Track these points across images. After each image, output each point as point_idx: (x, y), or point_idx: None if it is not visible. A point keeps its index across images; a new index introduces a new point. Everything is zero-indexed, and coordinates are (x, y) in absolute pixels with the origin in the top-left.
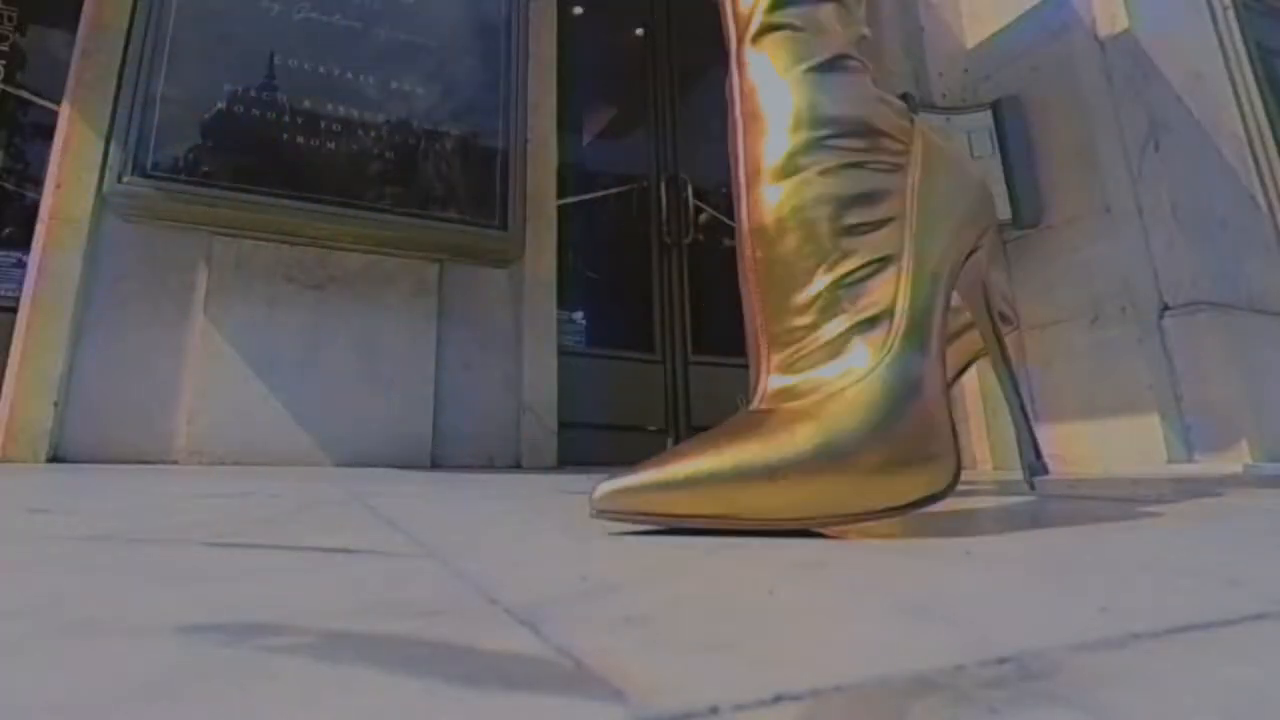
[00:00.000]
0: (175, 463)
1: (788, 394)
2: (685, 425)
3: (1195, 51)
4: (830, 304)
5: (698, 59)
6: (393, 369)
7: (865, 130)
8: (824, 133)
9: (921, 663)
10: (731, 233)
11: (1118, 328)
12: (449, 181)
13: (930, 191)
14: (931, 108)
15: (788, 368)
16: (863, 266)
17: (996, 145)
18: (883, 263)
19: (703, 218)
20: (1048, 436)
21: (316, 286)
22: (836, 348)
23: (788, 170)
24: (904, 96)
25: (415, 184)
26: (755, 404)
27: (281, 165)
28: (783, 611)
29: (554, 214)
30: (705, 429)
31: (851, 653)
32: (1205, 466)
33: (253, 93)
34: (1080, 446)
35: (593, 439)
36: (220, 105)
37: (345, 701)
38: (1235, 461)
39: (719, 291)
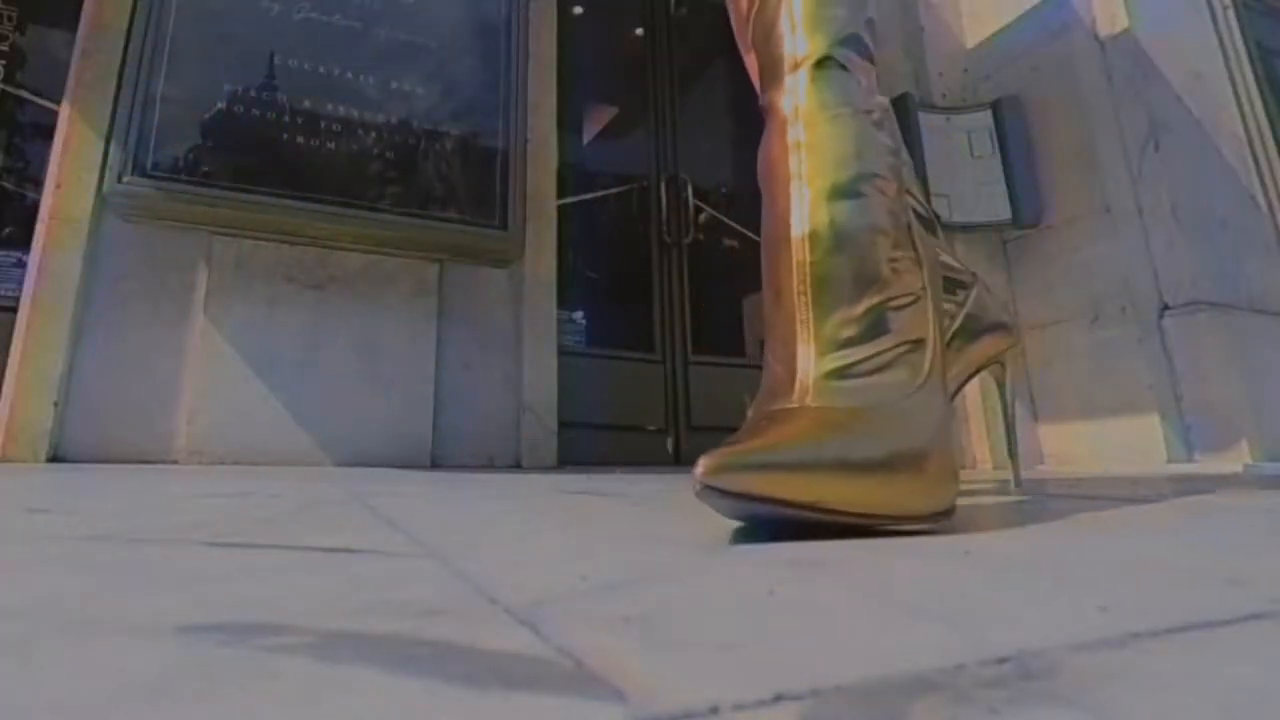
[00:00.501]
0: (175, 463)
1: (840, 394)
2: (685, 425)
3: (1195, 51)
4: (879, 322)
5: (698, 59)
6: (393, 369)
7: (896, 182)
8: (879, 170)
9: (921, 663)
10: (731, 232)
11: (1118, 328)
12: (449, 181)
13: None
14: (931, 108)
15: (840, 372)
16: (903, 295)
17: (996, 145)
18: (915, 297)
19: (703, 217)
20: (1048, 436)
21: (316, 286)
22: (885, 362)
23: (851, 192)
24: (903, 96)
25: (415, 184)
26: (798, 396)
27: (281, 165)
28: (783, 611)
29: (554, 214)
30: (705, 429)
31: (851, 653)
32: (1205, 466)
33: (253, 93)
34: (1080, 446)
35: (593, 439)
36: (220, 105)
37: (345, 701)
38: (1235, 461)
39: (719, 291)
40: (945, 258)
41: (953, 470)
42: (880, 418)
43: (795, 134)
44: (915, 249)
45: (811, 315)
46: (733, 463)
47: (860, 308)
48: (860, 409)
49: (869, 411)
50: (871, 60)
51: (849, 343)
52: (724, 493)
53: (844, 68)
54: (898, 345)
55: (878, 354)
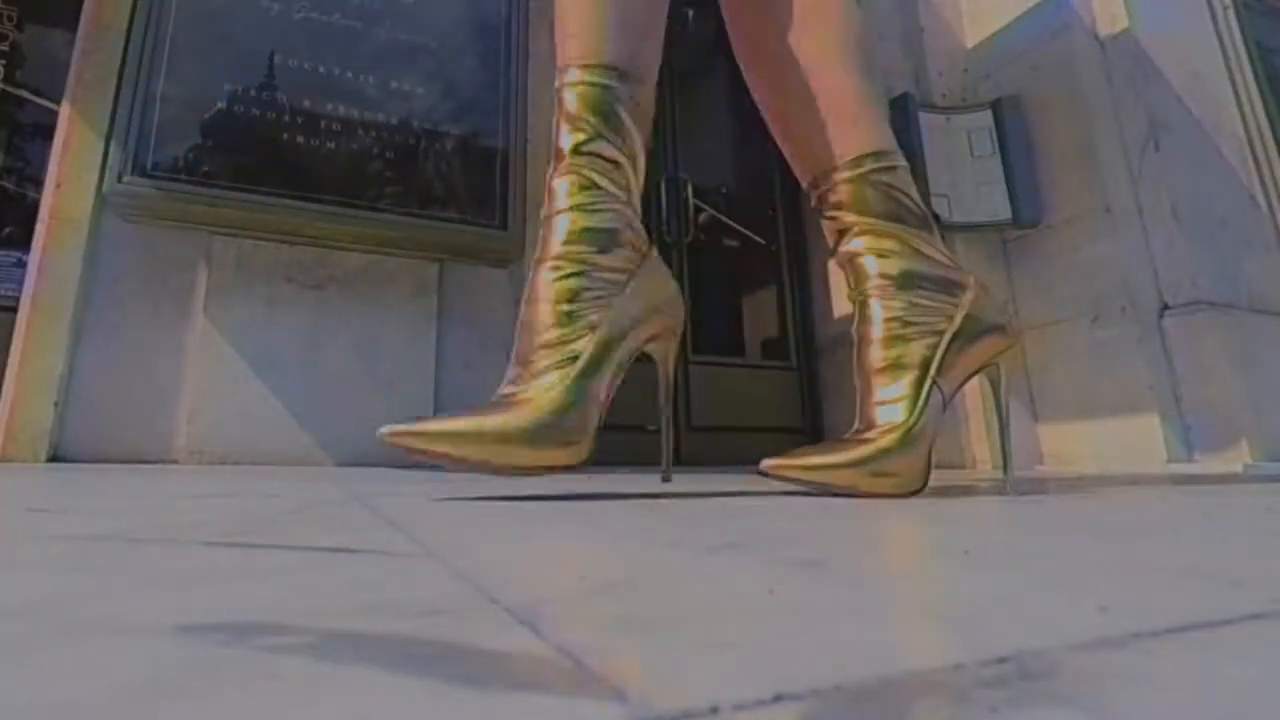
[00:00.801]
0: (175, 462)
1: (510, 392)
2: (685, 425)
3: (1195, 51)
4: (550, 349)
5: (698, 59)
6: (393, 369)
7: (612, 249)
8: (576, 252)
9: (921, 663)
10: (731, 232)
11: (1118, 327)
12: (449, 181)
13: (636, 293)
14: (931, 108)
15: (513, 381)
16: (578, 330)
17: (997, 145)
18: (588, 328)
19: (702, 218)
20: (1048, 436)
21: (316, 286)
22: (540, 373)
23: (550, 269)
24: (904, 96)
25: (415, 184)
26: (497, 398)
27: (281, 165)
28: (783, 611)
29: None
30: (705, 429)
31: (851, 653)
32: (1205, 466)
33: (253, 92)
34: (1080, 446)
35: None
36: (220, 105)
37: (346, 701)
38: (1235, 461)
39: (719, 291)
40: (942, 258)
41: (570, 439)
42: (522, 405)
43: (543, 223)
44: (598, 300)
45: (517, 346)
46: (412, 430)
47: (544, 341)
48: (515, 400)
49: (520, 401)
50: (623, 136)
51: (529, 363)
52: (396, 445)
53: (578, 172)
54: (553, 363)
55: (540, 370)
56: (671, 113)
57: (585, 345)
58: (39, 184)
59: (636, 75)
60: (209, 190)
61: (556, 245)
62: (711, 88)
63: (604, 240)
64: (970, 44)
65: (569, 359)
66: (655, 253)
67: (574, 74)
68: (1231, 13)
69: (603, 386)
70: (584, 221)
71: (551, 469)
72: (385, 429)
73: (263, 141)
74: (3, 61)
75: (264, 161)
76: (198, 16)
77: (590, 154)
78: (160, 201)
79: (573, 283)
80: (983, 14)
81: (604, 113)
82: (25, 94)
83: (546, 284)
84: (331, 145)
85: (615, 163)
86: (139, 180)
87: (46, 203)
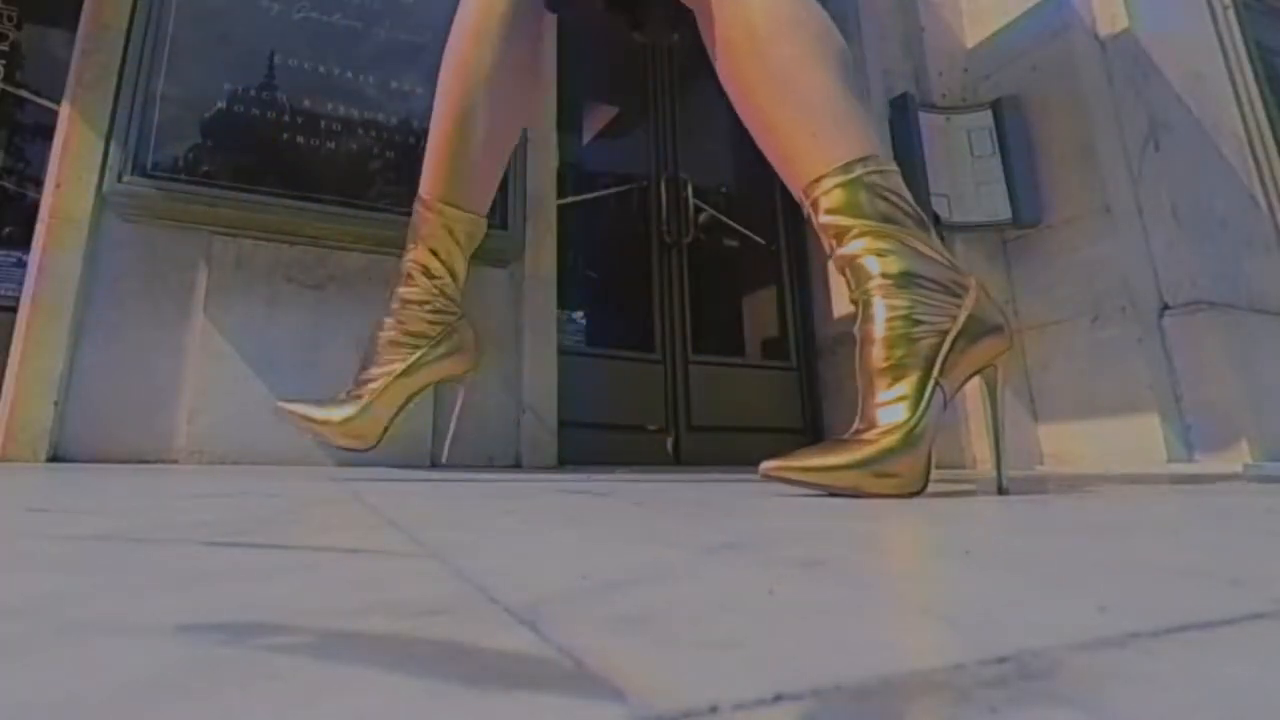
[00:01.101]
0: (175, 462)
1: (344, 399)
2: (685, 425)
3: (1195, 51)
4: (369, 382)
5: (698, 59)
6: None
7: (423, 317)
8: (401, 317)
9: (921, 663)
10: (731, 232)
11: (1118, 327)
12: None
13: (435, 350)
14: (932, 107)
15: (348, 392)
16: (385, 371)
17: (996, 145)
18: (391, 372)
19: (702, 217)
20: (1047, 436)
21: (316, 286)
22: (360, 394)
23: (384, 327)
24: (904, 96)
25: (415, 184)
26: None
27: (281, 165)
28: (783, 611)
29: (554, 214)
30: (705, 429)
31: (851, 653)
32: (1205, 466)
33: (252, 92)
34: (1080, 446)
35: (593, 438)
36: (220, 105)
37: (345, 701)
38: (1235, 461)
39: (719, 291)
40: (941, 259)
41: (361, 434)
42: (343, 407)
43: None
44: (401, 351)
45: (357, 366)
46: (288, 408)
47: (364, 374)
48: (342, 401)
49: (343, 402)
50: (444, 250)
51: (355, 378)
52: (285, 416)
53: (409, 269)
54: (370, 390)
55: (361, 392)
56: (671, 113)
57: (385, 382)
58: (39, 184)
59: (462, 210)
60: (209, 190)
61: (389, 310)
62: (711, 88)
63: (417, 312)
64: (970, 44)
65: (379, 389)
66: (463, 320)
67: (419, 203)
68: (1231, 13)
69: (393, 408)
70: (405, 301)
71: (352, 448)
72: (279, 402)
73: (263, 141)
74: (3, 61)
75: (264, 161)
76: (198, 16)
77: (416, 260)
78: (160, 201)
79: (389, 337)
80: (983, 14)
81: (431, 235)
82: (25, 94)
83: (374, 335)
84: (331, 145)
85: (432, 267)
86: (139, 180)
87: (46, 203)
